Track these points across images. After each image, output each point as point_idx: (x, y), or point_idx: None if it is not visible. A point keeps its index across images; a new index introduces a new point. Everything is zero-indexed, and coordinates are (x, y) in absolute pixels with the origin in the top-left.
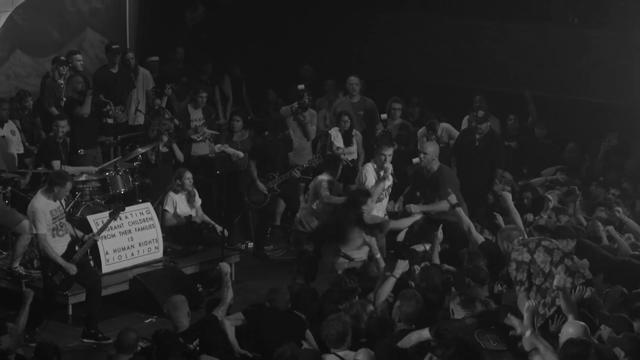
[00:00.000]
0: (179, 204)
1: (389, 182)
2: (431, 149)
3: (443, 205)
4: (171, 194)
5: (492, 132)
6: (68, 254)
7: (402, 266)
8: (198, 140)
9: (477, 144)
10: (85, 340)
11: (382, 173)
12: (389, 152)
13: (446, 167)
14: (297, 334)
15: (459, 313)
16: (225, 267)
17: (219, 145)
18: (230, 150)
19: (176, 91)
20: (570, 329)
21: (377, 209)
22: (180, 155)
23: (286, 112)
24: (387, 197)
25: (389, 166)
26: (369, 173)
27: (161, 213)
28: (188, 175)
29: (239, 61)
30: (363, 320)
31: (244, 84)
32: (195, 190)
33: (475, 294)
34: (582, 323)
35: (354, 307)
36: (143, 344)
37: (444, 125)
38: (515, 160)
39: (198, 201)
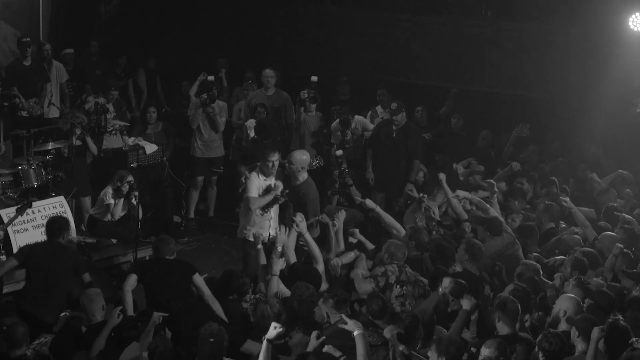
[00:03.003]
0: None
1: (281, 186)
2: (298, 157)
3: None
4: (110, 189)
5: (408, 123)
6: None
7: (279, 263)
8: (108, 131)
9: (394, 135)
10: None
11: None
12: (274, 157)
13: (310, 182)
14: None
15: (333, 316)
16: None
17: (132, 138)
18: (143, 142)
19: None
20: (566, 303)
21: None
22: (94, 148)
23: (195, 103)
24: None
25: (279, 184)
26: (252, 184)
27: (103, 208)
28: (130, 178)
29: (154, 54)
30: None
31: (158, 77)
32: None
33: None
34: (576, 297)
35: (258, 306)
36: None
37: (358, 117)
38: (428, 151)
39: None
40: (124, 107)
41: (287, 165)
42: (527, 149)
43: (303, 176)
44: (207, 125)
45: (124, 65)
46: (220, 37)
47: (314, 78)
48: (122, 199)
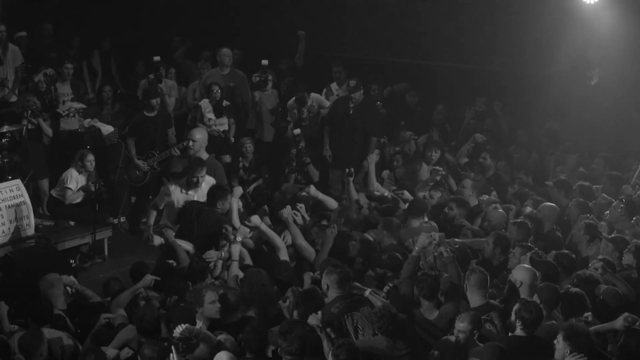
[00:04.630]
0: (80, 183)
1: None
2: (199, 135)
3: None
4: (73, 172)
5: (366, 100)
6: None
7: (237, 249)
8: (64, 114)
9: (351, 112)
10: None
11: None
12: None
13: (213, 160)
14: None
15: (332, 292)
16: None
17: (88, 120)
18: (99, 124)
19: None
20: (522, 274)
21: None
22: (48, 131)
23: (143, 84)
24: None
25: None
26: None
27: (61, 191)
28: (90, 157)
29: (108, 35)
30: None
31: (112, 58)
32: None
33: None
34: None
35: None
36: None
37: (314, 95)
38: (385, 125)
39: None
40: (82, 89)
41: (190, 144)
42: (486, 122)
43: (205, 155)
44: None
45: (77, 46)
46: (175, 15)
47: (265, 62)
48: (79, 188)
